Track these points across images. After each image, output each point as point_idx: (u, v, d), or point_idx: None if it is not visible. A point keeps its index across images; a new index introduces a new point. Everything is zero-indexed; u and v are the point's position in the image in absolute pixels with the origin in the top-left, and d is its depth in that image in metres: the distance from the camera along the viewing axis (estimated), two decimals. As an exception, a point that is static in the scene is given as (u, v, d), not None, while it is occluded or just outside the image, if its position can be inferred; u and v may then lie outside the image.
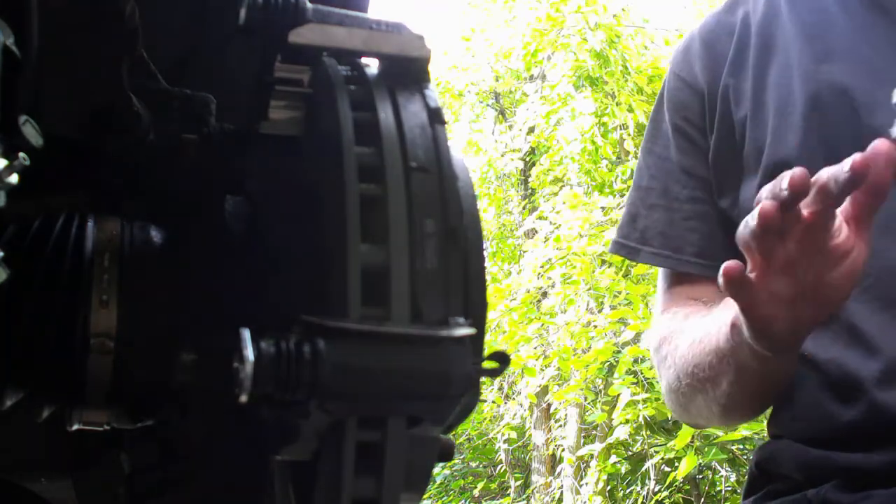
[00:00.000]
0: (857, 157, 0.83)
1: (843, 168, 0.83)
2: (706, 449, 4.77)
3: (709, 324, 1.10)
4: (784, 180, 0.84)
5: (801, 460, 1.11)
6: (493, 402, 7.63)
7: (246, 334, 0.45)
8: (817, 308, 0.92)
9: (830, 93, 1.12)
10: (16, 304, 0.55)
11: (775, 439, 1.18)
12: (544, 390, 6.79)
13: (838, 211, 0.89)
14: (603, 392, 6.06)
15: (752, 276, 0.90)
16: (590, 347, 5.90)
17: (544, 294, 7.02)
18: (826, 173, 0.85)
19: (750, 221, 0.87)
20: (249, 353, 0.44)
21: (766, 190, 0.88)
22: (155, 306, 0.56)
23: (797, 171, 0.84)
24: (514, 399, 7.49)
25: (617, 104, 6.92)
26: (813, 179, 0.85)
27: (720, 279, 0.90)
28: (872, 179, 0.85)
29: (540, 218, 7.15)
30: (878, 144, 0.85)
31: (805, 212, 0.87)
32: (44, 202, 0.60)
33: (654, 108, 1.36)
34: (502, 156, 8.61)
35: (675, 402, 1.25)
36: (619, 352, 5.61)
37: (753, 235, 0.88)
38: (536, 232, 7.27)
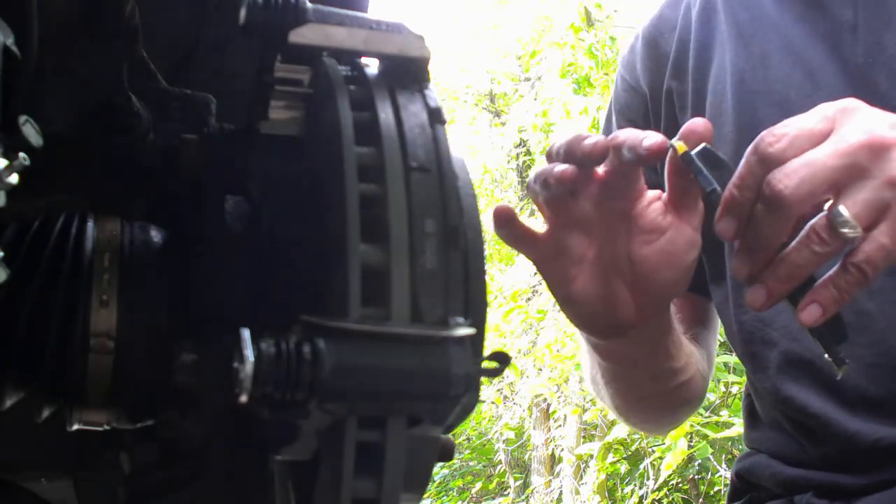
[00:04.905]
0: (659, 137, 0.80)
1: (642, 139, 0.80)
2: (697, 445, 4.77)
3: None
4: (586, 139, 0.82)
5: (779, 478, 1.09)
6: (493, 402, 7.64)
7: (246, 334, 0.45)
8: (635, 286, 0.88)
9: (767, 103, 1.07)
10: (16, 304, 0.55)
11: (752, 451, 1.17)
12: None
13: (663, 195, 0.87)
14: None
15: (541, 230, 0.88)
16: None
17: (539, 294, 7.03)
18: (623, 135, 0.82)
19: (547, 177, 0.84)
20: (249, 353, 0.44)
21: (563, 144, 0.84)
22: (155, 306, 0.56)
23: (599, 137, 0.82)
24: (512, 399, 7.50)
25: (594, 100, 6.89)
26: (610, 137, 0.83)
27: (492, 221, 0.88)
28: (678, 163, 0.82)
29: (532, 217, 7.16)
30: (694, 125, 0.81)
31: (601, 170, 0.85)
32: (44, 202, 0.60)
33: (606, 113, 1.32)
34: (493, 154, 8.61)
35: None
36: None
37: (548, 190, 0.84)
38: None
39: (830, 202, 0.73)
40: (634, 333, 0.92)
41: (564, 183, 0.83)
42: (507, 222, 0.88)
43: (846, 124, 0.74)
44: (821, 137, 0.74)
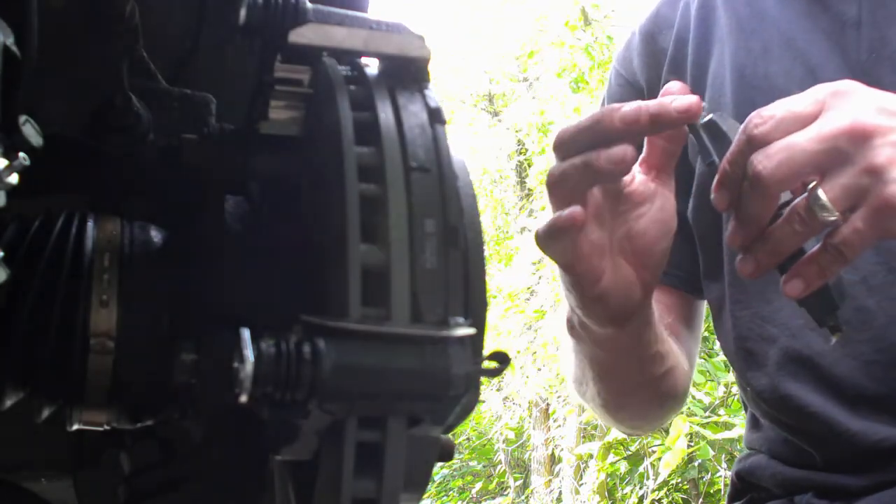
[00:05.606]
0: (662, 101, 0.80)
1: (672, 99, 0.80)
2: (696, 445, 4.77)
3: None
4: (621, 110, 0.80)
5: (779, 478, 1.08)
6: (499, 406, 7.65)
7: (246, 334, 0.45)
8: (638, 264, 0.88)
9: (767, 99, 1.01)
10: (16, 304, 0.55)
11: (753, 451, 1.16)
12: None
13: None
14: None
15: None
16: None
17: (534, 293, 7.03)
18: (655, 105, 0.81)
19: (593, 162, 0.80)
20: (249, 352, 0.44)
21: (590, 122, 0.81)
22: (155, 306, 0.56)
23: (634, 105, 0.80)
24: (511, 399, 7.50)
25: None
26: (643, 105, 0.81)
27: (544, 233, 0.84)
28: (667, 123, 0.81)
29: (531, 217, 7.17)
30: (672, 86, 0.83)
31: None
32: (44, 202, 0.60)
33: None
34: (494, 156, 8.61)
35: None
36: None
37: (600, 176, 0.81)
38: (529, 230, 7.28)
39: (815, 182, 0.75)
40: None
41: (627, 164, 0.80)
42: (572, 229, 0.82)
43: (834, 108, 0.75)
44: (808, 120, 0.75)
